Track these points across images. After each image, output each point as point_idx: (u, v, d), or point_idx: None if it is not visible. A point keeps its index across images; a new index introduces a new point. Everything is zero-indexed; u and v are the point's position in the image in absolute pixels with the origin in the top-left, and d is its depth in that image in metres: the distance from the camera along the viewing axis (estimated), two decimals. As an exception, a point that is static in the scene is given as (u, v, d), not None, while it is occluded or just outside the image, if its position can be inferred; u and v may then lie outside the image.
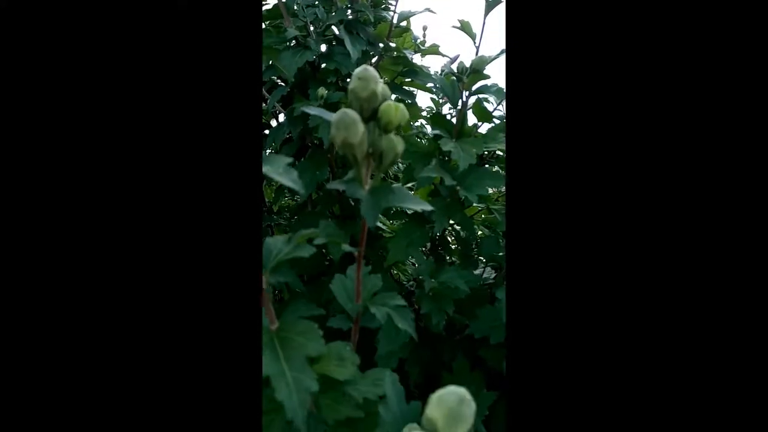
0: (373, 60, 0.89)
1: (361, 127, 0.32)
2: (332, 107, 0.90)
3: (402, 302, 0.44)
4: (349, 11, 0.83)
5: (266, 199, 1.13)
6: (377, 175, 0.36)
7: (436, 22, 0.94)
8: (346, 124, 0.32)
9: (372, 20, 0.84)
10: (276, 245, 0.36)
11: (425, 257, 0.93)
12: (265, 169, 0.27)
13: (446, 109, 1.13)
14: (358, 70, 0.33)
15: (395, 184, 0.38)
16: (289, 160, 0.29)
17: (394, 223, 1.05)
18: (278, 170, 0.28)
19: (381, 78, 0.34)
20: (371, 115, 0.34)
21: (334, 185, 0.37)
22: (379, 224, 0.98)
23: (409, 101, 0.91)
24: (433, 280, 0.86)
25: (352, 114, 0.32)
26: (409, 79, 0.92)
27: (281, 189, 1.07)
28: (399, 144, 0.35)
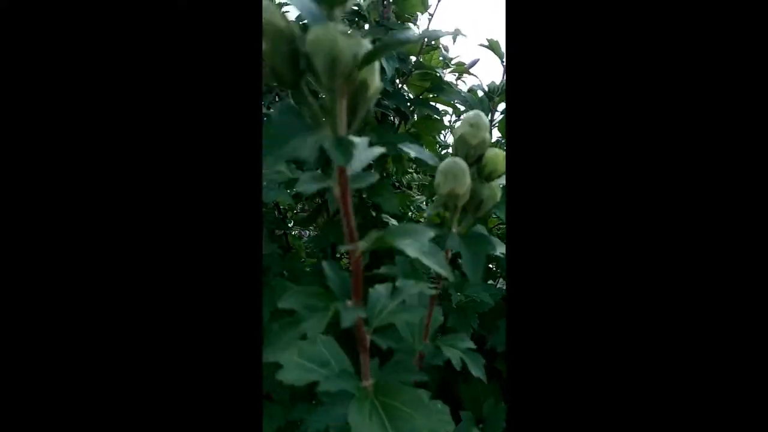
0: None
1: (468, 178, 0.28)
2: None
3: (472, 345, 0.40)
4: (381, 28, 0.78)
5: (281, 205, 1.07)
6: (469, 221, 0.32)
7: (462, 40, 0.89)
8: (455, 174, 0.27)
9: (404, 38, 0.79)
10: (380, 299, 0.31)
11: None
12: (407, 243, 0.22)
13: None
14: (469, 115, 0.28)
15: (480, 230, 0.34)
16: (431, 233, 0.23)
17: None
18: (422, 249, 0.22)
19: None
20: (475, 161, 0.29)
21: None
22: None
23: (436, 116, 0.87)
24: (458, 293, 0.82)
25: (462, 164, 0.27)
26: (435, 95, 0.88)
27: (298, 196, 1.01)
28: (498, 193, 0.30)
